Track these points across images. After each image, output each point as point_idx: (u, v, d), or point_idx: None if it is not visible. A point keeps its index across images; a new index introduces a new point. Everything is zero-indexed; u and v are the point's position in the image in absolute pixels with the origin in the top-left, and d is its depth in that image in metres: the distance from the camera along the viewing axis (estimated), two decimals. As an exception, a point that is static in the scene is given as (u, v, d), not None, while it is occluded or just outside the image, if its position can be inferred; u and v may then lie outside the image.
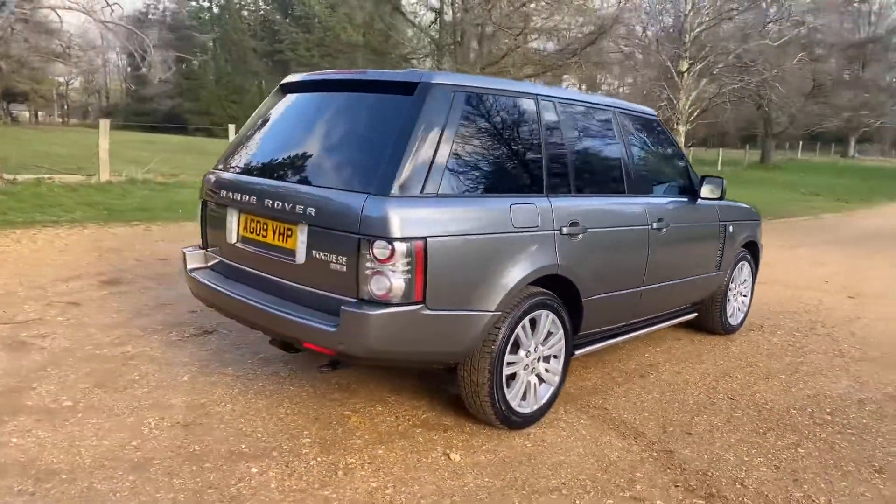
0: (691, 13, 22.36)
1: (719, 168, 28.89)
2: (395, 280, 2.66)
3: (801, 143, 40.04)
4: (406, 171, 2.73)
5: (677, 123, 23.60)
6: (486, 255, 2.95)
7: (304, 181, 3.06)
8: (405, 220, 2.66)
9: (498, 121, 3.20)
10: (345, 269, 2.77)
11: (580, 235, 3.33)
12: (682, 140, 24.45)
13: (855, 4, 32.91)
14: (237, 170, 3.49)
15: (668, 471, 3.02)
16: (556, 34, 13.35)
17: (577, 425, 3.43)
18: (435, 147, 2.82)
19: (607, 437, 3.32)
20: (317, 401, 3.56)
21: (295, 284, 3.02)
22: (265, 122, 3.60)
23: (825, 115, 31.22)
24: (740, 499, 2.83)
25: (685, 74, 22.99)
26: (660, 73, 22.77)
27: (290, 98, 3.57)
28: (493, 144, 3.14)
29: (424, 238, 2.70)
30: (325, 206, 2.85)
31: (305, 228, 2.92)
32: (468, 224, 2.90)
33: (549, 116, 3.40)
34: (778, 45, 22.90)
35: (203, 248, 3.71)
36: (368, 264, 2.69)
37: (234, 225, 3.38)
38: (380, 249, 2.65)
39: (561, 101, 3.50)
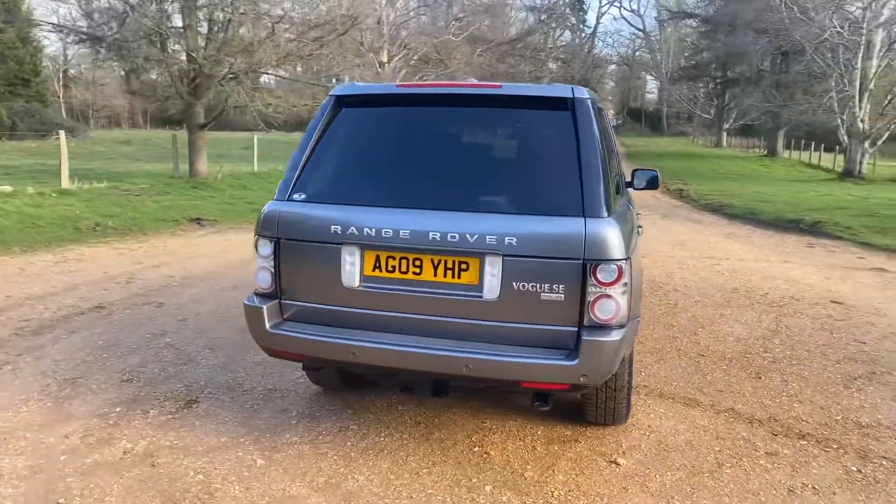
0: (387, 5, 23.62)
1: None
2: (620, 301, 2.66)
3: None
4: (605, 190, 2.73)
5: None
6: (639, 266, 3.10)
7: (481, 208, 2.77)
8: (620, 239, 2.67)
9: (605, 128, 3.30)
10: (562, 297, 2.65)
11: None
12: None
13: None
14: (348, 200, 2.93)
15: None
16: (297, 22, 12.95)
17: (642, 408, 3.80)
18: (604, 162, 2.85)
19: (680, 408, 3.76)
20: (435, 446, 3.26)
21: (483, 322, 2.74)
22: (352, 140, 3.07)
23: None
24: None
25: (386, 65, 24.27)
26: (365, 64, 23.63)
27: (382, 113, 3.12)
28: (611, 156, 3.26)
29: (629, 257, 2.74)
30: (533, 233, 2.66)
31: (499, 260, 2.67)
32: (633, 238, 3.01)
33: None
34: (460, 41, 25.66)
35: (277, 298, 3.02)
36: (593, 289, 2.63)
37: (354, 265, 2.85)
38: (606, 273, 2.62)
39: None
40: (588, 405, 3.28)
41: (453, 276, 2.75)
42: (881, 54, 20.44)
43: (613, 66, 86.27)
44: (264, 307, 2.95)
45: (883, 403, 3.95)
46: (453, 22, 25.41)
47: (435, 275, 2.77)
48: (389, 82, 24.41)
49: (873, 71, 20.39)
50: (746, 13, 24.15)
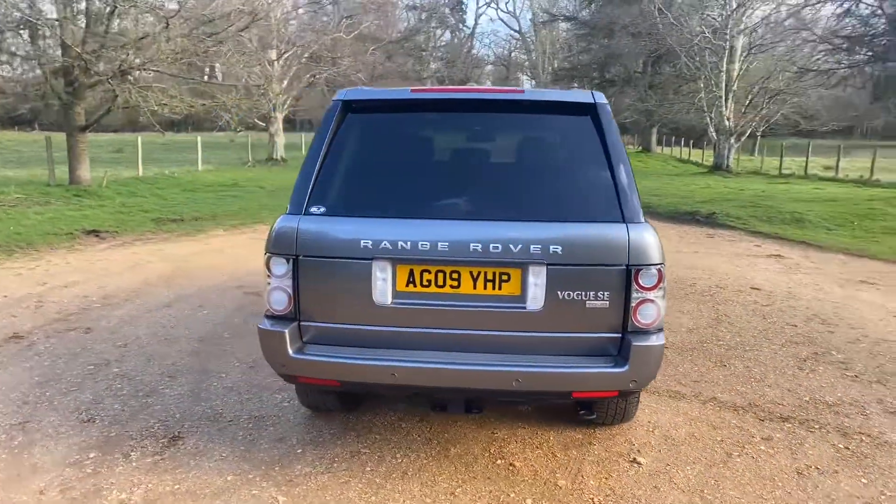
0: (273, 3, 22.78)
1: (303, 151, 30.44)
2: (660, 305, 2.70)
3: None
4: (638, 195, 2.76)
5: (274, 110, 24.00)
6: None
7: (518, 217, 2.69)
8: (658, 244, 2.71)
9: None
10: (607, 304, 2.64)
11: None
12: (280, 126, 25.00)
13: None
14: (373, 212, 2.74)
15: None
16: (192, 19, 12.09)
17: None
18: (629, 167, 2.88)
19: (668, 401, 3.90)
20: (457, 463, 3.15)
21: (525, 333, 2.68)
22: (367, 148, 2.88)
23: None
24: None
25: (276, 63, 23.43)
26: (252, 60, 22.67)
27: (397, 119, 2.95)
28: None
29: (664, 262, 2.78)
30: (577, 241, 2.62)
31: (543, 269, 2.62)
32: None
33: None
34: (351, 38, 25.27)
35: (295, 320, 2.78)
36: (635, 294, 2.65)
37: (386, 281, 2.69)
38: (647, 278, 2.65)
39: None
40: (601, 407, 3.31)
41: (494, 288, 2.66)
42: (742, 58, 22.45)
43: (490, 67, 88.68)
44: (286, 331, 2.72)
45: (837, 382, 4.30)
46: (344, 20, 24.95)
47: (474, 287, 2.67)
48: (278, 80, 23.63)
49: (736, 73, 22.37)
50: (623, 18, 25.62)
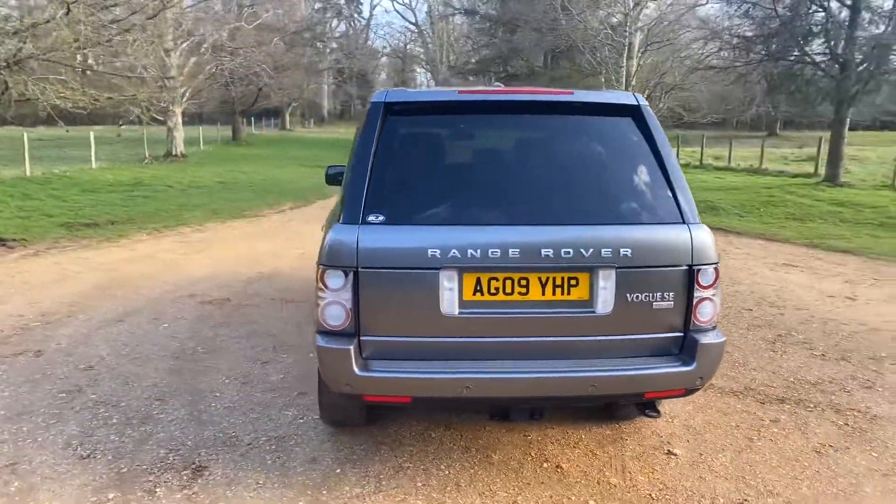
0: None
1: (202, 147, 28.94)
2: (716, 302, 2.78)
3: (252, 118, 43.25)
4: (691, 195, 2.82)
5: (172, 104, 22.65)
6: None
7: (582, 221, 2.67)
8: (714, 243, 2.79)
9: None
10: (672, 304, 2.69)
11: None
12: (179, 120, 23.63)
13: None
14: (436, 219, 2.62)
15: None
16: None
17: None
18: (679, 167, 2.94)
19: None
20: (505, 470, 3.11)
21: (594, 337, 2.67)
22: (417, 152, 2.76)
23: (276, 91, 34.60)
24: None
25: (173, 54, 22.09)
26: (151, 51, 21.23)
27: (446, 122, 2.85)
28: None
29: (719, 261, 2.86)
30: (646, 243, 2.65)
31: (612, 273, 2.62)
32: None
33: None
34: (252, 28, 24.23)
35: (354, 335, 2.63)
36: (697, 293, 2.71)
37: (453, 291, 2.59)
38: (706, 276, 2.72)
39: None
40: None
41: (563, 293, 2.64)
42: (639, 54, 23.63)
43: (385, 59, 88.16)
44: (351, 347, 2.56)
45: (810, 362, 4.65)
46: (246, 8, 23.87)
47: (543, 293, 2.64)
48: (177, 71, 22.26)
49: (634, 69, 23.52)
50: (527, 14, 26.19)
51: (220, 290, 6.42)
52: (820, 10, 14.29)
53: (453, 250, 2.55)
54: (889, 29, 13.15)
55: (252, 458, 3.19)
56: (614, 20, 23.12)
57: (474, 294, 2.61)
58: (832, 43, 14.26)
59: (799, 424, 3.65)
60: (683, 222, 2.72)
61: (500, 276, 2.60)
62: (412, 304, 2.61)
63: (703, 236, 2.71)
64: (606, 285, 2.62)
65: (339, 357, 2.56)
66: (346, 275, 2.58)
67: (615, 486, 2.99)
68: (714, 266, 2.72)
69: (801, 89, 15.40)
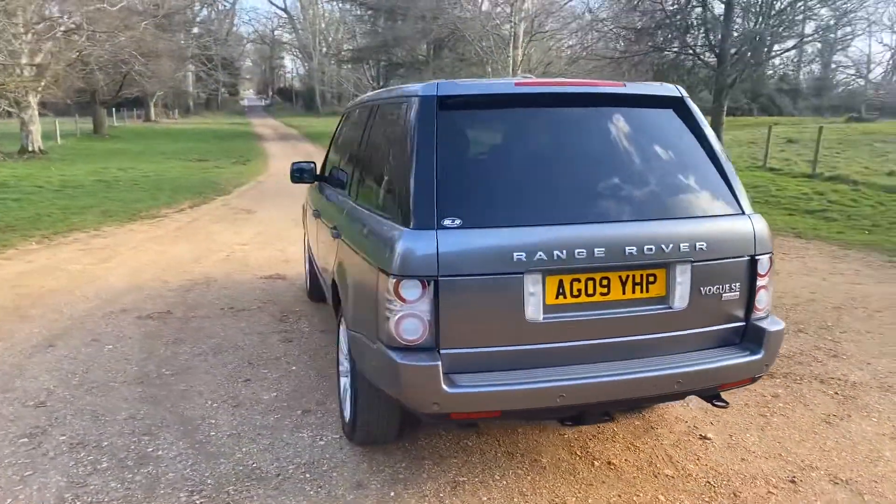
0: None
1: (59, 141, 26.19)
2: (771, 290, 2.85)
3: (113, 109, 39.68)
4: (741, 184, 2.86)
5: (26, 94, 20.30)
6: None
7: (655, 215, 2.61)
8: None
9: None
10: (738, 294, 2.72)
11: None
12: (35, 112, 21.21)
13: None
14: (514, 220, 2.45)
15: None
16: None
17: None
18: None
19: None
20: (559, 472, 3.03)
21: (671, 333, 2.64)
22: (479, 148, 2.58)
23: (147, 80, 32.01)
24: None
25: (23, 37, 19.75)
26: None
27: (504, 115, 2.70)
28: None
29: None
30: (717, 236, 2.64)
31: (688, 267, 2.60)
32: None
33: None
34: (117, 10, 22.16)
35: (433, 349, 2.42)
36: (758, 282, 2.77)
37: (537, 295, 2.45)
38: (764, 265, 2.78)
39: None
40: None
41: (642, 291, 2.59)
42: (524, 44, 24.30)
43: (250, 45, 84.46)
44: (439, 364, 2.36)
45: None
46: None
47: (623, 293, 2.57)
48: (28, 58, 19.89)
49: (519, 59, 24.15)
50: (411, 2, 26.07)
51: (154, 303, 5.81)
52: (699, 5, 15.41)
53: (539, 252, 2.41)
54: (760, 24, 14.43)
55: (291, 491, 2.88)
56: (499, 9, 23.59)
57: (557, 297, 2.49)
58: (710, 36, 15.44)
59: (798, 397, 3.88)
60: (743, 213, 2.76)
61: (583, 276, 2.50)
62: (494, 311, 2.45)
63: (761, 226, 2.77)
64: (682, 280, 2.61)
65: (426, 375, 2.35)
66: (425, 285, 2.37)
67: (672, 476, 3.01)
68: (770, 255, 2.79)
69: (683, 79, 16.52)
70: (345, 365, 3.48)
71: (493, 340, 2.47)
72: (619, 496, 2.85)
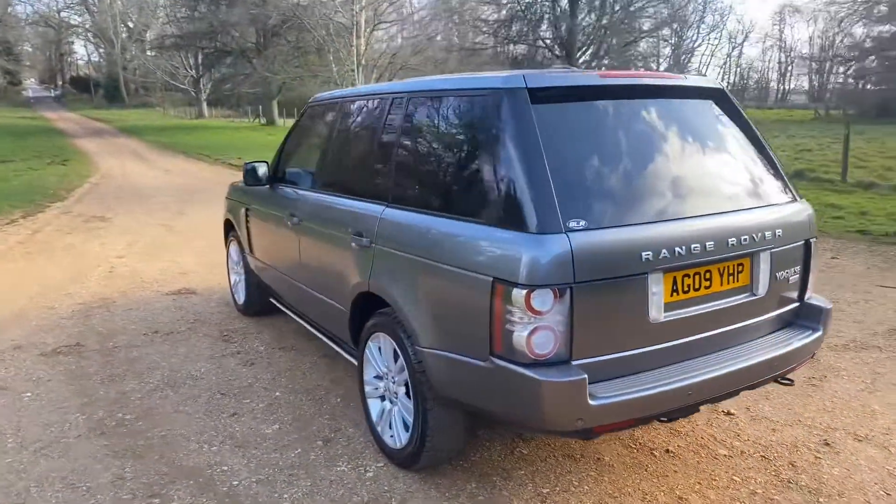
0: None
1: None
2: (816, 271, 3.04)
3: None
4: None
5: None
6: None
7: (741, 206, 2.66)
8: None
9: None
10: (798, 277, 2.86)
11: None
12: None
13: None
14: (632, 218, 2.34)
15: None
16: None
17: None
18: None
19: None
20: (640, 469, 3.01)
21: (755, 320, 2.71)
22: (577, 144, 2.42)
23: None
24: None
25: None
26: None
27: (594, 109, 2.55)
28: None
29: None
30: (788, 222, 2.74)
31: (768, 255, 2.68)
32: None
33: None
34: None
35: (566, 361, 2.25)
36: (811, 264, 2.94)
37: (658, 294, 2.37)
38: (815, 248, 2.96)
39: None
40: None
41: (733, 281, 2.63)
42: (367, 34, 23.93)
43: (29, 28, 74.50)
44: (586, 377, 2.20)
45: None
46: None
47: (721, 284, 2.59)
48: None
49: (363, 48, 23.76)
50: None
51: (53, 334, 4.89)
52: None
53: (663, 250, 2.35)
54: (602, 17, 15.54)
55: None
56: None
57: (672, 294, 2.44)
58: (559, 29, 16.34)
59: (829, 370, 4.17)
60: (796, 199, 2.91)
61: (692, 272, 2.48)
62: (620, 315, 2.34)
63: (812, 211, 2.94)
64: (764, 267, 2.69)
65: (573, 391, 2.18)
66: (559, 294, 2.20)
67: (729, 455, 3.13)
68: (815, 239, 2.97)
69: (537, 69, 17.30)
70: (377, 386, 3.17)
71: (619, 346, 2.36)
72: (699, 483, 2.90)
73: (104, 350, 4.59)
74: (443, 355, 2.57)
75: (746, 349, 2.66)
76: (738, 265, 2.63)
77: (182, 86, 43.03)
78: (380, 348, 3.10)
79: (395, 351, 2.94)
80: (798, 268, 2.86)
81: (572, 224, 2.24)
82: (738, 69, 66.28)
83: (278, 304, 4.70)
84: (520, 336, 2.22)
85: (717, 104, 2.96)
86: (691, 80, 2.92)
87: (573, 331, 2.24)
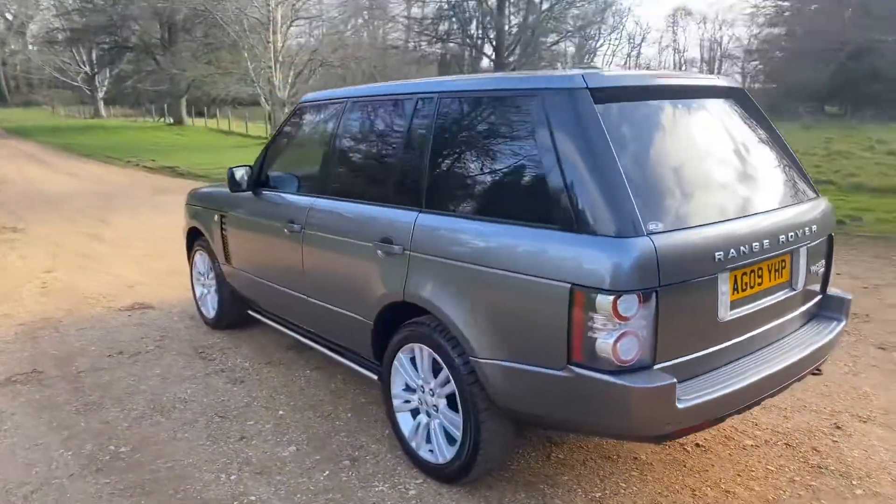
0: None
1: None
2: None
3: None
4: None
5: None
6: None
7: (782, 203, 2.72)
8: None
9: None
10: (822, 269, 2.96)
11: None
12: None
13: None
14: (702, 218, 2.34)
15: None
16: None
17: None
18: None
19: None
20: (674, 464, 3.03)
21: (794, 314, 2.78)
22: (641, 144, 2.39)
23: None
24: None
25: None
26: None
27: (652, 108, 2.52)
28: None
29: None
30: (819, 218, 2.82)
31: (805, 249, 2.75)
32: None
33: None
34: None
35: (649, 367, 2.21)
36: (833, 257, 3.06)
37: (726, 293, 2.39)
38: (833, 242, 3.08)
39: None
40: None
41: (778, 277, 2.68)
42: (283, 31, 23.14)
43: None
44: (675, 381, 2.17)
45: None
46: None
47: (770, 280, 2.64)
48: None
49: (281, 45, 22.97)
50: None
51: (0, 361, 4.40)
52: (474, -2, 16.33)
53: (731, 249, 2.36)
54: (529, 17, 15.77)
55: None
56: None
57: (734, 292, 2.47)
58: (486, 28, 16.44)
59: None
60: (818, 196, 3.02)
61: (749, 269, 2.52)
62: (694, 317, 2.33)
63: (832, 207, 3.06)
64: (802, 262, 2.77)
65: (664, 395, 2.15)
66: (644, 298, 2.16)
67: (755, 445, 3.22)
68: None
69: (464, 70, 17.32)
70: (407, 399, 3.04)
71: (693, 347, 2.36)
72: (739, 475, 2.96)
73: (68, 376, 4.16)
74: (506, 366, 2.47)
75: (791, 343, 2.73)
76: (782, 261, 2.70)
77: (74, 83, 40.01)
78: (412, 360, 2.97)
79: (433, 362, 2.83)
80: (823, 261, 2.98)
81: (651, 227, 2.21)
82: (638, 69, 69.57)
83: (259, 317, 4.43)
84: (604, 343, 2.17)
85: (740, 104, 3.02)
86: (722, 81, 2.96)
87: (657, 335, 2.21)
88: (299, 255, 3.62)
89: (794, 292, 2.78)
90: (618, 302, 2.14)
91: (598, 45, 54.81)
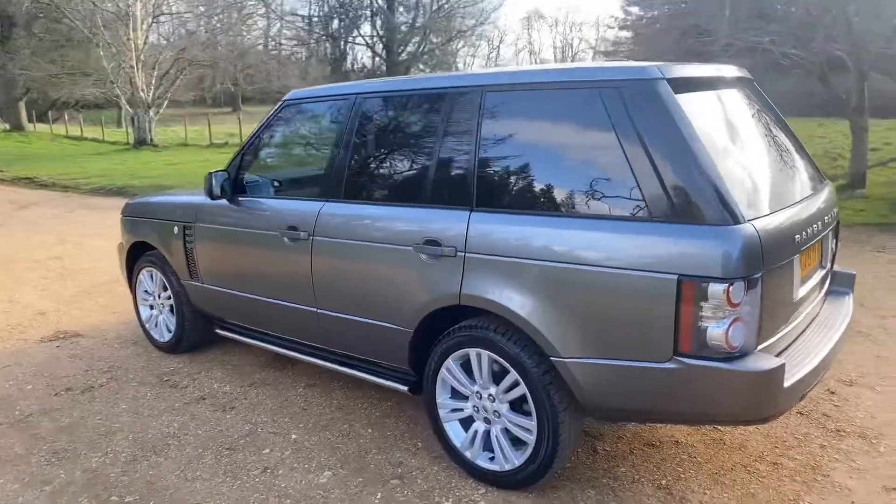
0: None
1: None
2: None
3: None
4: None
5: None
6: None
7: (818, 186, 2.91)
8: None
9: None
10: (833, 247, 3.17)
11: None
12: None
13: None
14: (778, 202, 2.44)
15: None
16: None
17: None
18: None
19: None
20: (706, 444, 3.13)
21: (823, 290, 2.96)
22: (714, 132, 2.42)
23: None
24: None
25: None
26: None
27: (715, 98, 2.58)
28: None
29: None
30: (834, 199, 3.03)
31: (830, 233, 2.94)
32: None
33: None
34: None
35: (754, 349, 2.25)
36: (839, 235, 3.29)
37: (797, 275, 2.49)
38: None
39: None
40: None
41: (817, 257, 2.84)
42: (144, 27, 21.33)
43: None
44: (785, 362, 2.22)
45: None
46: None
47: (815, 260, 2.79)
48: None
49: (142, 43, 21.17)
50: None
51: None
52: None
53: (804, 231, 2.48)
54: (419, 17, 15.74)
55: None
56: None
57: (802, 272, 2.59)
58: (378, 27, 16.17)
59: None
60: (825, 178, 3.25)
61: (808, 250, 2.64)
62: (779, 298, 2.41)
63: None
64: (828, 245, 2.96)
65: (776, 377, 2.19)
66: (751, 284, 2.20)
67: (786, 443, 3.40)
68: None
69: (357, 70, 16.96)
70: (455, 407, 2.92)
71: (777, 327, 2.44)
72: (776, 447, 3.11)
73: (14, 422, 3.55)
74: (598, 363, 2.42)
75: (828, 316, 2.92)
76: (821, 241, 2.87)
77: None
78: (463, 365, 2.84)
79: (493, 365, 2.72)
80: (835, 241, 3.21)
81: (748, 213, 2.25)
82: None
83: (229, 335, 4.04)
84: (716, 331, 2.18)
85: (754, 93, 3.16)
86: (739, 71, 3.08)
87: (762, 319, 2.26)
88: (306, 264, 3.33)
89: (824, 270, 2.97)
90: (730, 289, 2.15)
91: (458, 46, 56.43)
